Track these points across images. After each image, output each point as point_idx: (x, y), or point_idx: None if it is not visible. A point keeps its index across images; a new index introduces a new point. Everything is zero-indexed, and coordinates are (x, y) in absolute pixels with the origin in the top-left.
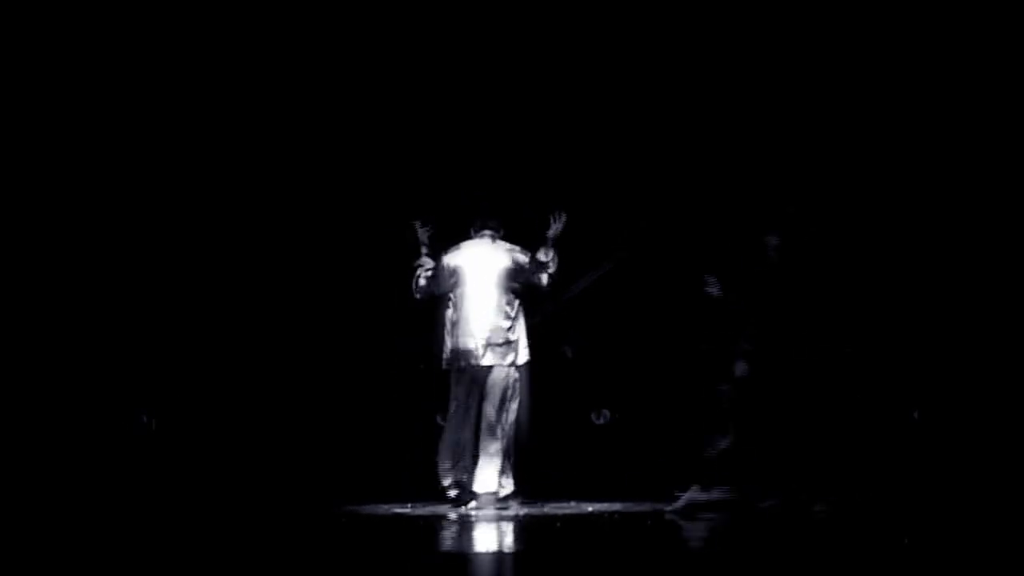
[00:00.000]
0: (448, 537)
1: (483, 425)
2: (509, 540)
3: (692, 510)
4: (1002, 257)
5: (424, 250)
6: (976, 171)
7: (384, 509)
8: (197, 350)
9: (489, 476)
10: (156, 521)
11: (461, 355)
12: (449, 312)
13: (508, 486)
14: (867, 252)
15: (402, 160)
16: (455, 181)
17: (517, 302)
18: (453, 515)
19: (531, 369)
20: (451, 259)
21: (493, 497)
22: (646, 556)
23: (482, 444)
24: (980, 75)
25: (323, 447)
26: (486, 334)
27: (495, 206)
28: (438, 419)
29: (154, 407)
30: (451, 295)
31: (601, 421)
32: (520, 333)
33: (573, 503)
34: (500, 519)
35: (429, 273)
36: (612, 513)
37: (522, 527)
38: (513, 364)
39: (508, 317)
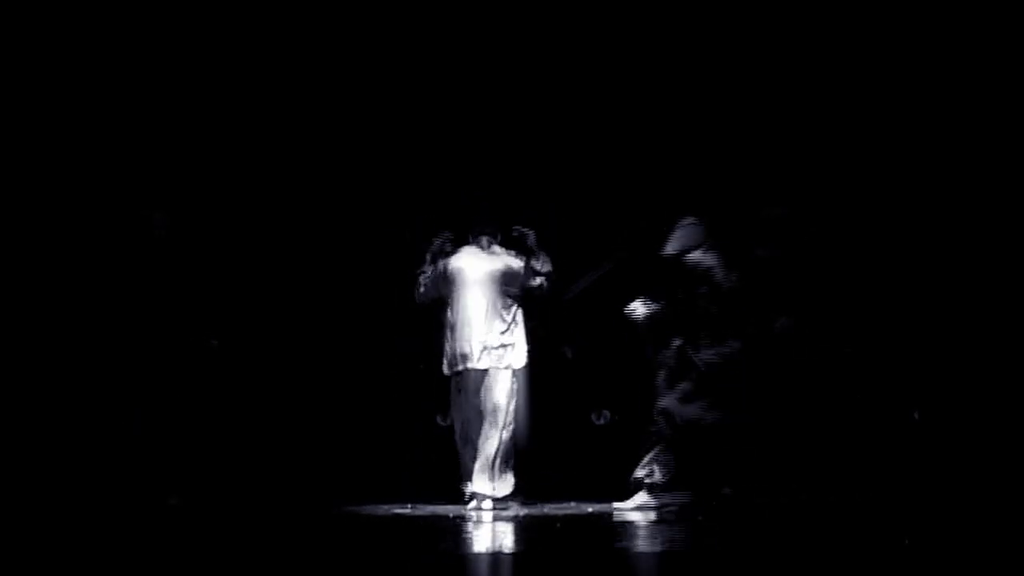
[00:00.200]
0: (448, 537)
1: (482, 427)
2: (509, 540)
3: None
4: (1002, 257)
5: (429, 258)
6: (975, 171)
7: (384, 509)
8: (197, 350)
9: (486, 478)
10: (156, 521)
11: (459, 359)
12: (447, 316)
13: (508, 487)
14: (867, 252)
15: (402, 160)
16: (455, 181)
17: (514, 306)
18: (452, 515)
19: (530, 370)
20: (448, 264)
21: (489, 499)
22: (646, 556)
23: (480, 445)
24: (978, 73)
25: (323, 447)
26: (483, 338)
27: (495, 207)
28: (438, 420)
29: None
30: (449, 300)
31: (601, 421)
32: (518, 337)
33: (573, 503)
34: (500, 519)
35: (430, 280)
36: (612, 513)
37: (522, 527)
38: (510, 367)
39: (504, 320)
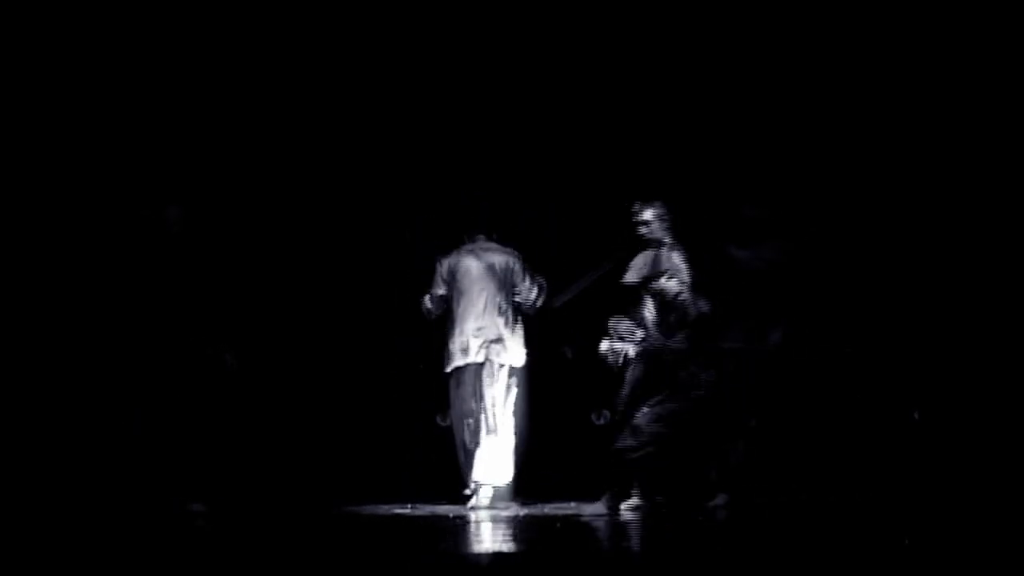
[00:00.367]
0: (448, 537)
1: (485, 421)
2: (509, 540)
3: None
4: (1002, 257)
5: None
6: (975, 171)
7: (384, 509)
8: (197, 350)
9: (490, 467)
10: (157, 521)
11: (459, 355)
12: (448, 314)
13: (507, 476)
14: (867, 252)
15: (402, 160)
16: (455, 181)
17: (513, 304)
18: (452, 515)
19: (530, 370)
20: (447, 263)
21: (490, 487)
22: (646, 556)
23: (483, 438)
24: (977, 73)
25: (323, 447)
26: (482, 333)
27: (494, 207)
28: (438, 419)
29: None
30: (450, 298)
31: (601, 422)
32: (517, 335)
33: (573, 504)
34: (500, 519)
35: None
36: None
37: (522, 527)
38: (508, 365)
39: (504, 317)
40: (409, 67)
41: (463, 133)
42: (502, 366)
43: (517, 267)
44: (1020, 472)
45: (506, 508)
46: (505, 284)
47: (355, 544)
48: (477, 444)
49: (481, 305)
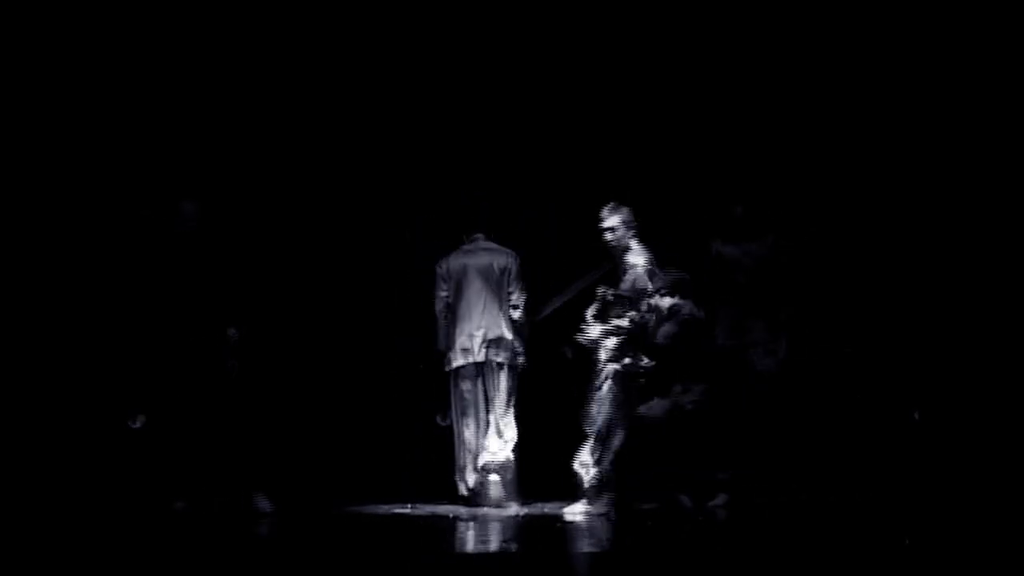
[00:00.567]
0: (448, 537)
1: (491, 419)
2: (509, 540)
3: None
4: (1002, 257)
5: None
6: (975, 171)
7: (384, 509)
8: (198, 349)
9: (494, 465)
10: (156, 521)
11: (460, 354)
12: (449, 314)
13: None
14: (866, 252)
15: (402, 160)
16: (455, 181)
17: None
18: (452, 515)
19: (530, 371)
20: (447, 264)
21: (500, 488)
22: (645, 556)
23: (488, 438)
24: (977, 73)
25: (324, 447)
26: (482, 332)
27: (494, 207)
28: (438, 419)
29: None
30: (450, 298)
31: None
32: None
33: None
34: (500, 519)
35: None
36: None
37: (522, 527)
38: (509, 364)
39: (503, 314)
40: (409, 67)
41: (463, 133)
42: (502, 365)
43: (514, 269)
44: (1020, 472)
45: (506, 508)
46: (504, 284)
47: (355, 544)
48: (477, 444)
49: (481, 305)
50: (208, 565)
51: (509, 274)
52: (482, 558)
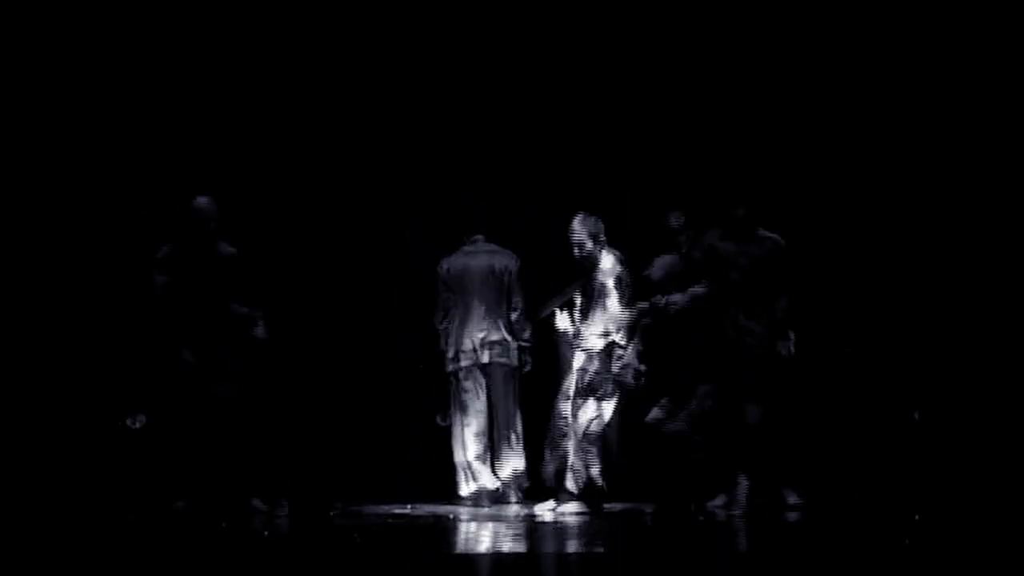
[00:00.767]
0: (448, 537)
1: (499, 421)
2: (510, 540)
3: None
4: (1002, 257)
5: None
6: (975, 171)
7: (384, 509)
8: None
9: (512, 465)
10: (156, 521)
11: (462, 355)
12: (450, 315)
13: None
14: (866, 252)
15: (402, 161)
16: (455, 181)
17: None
18: (452, 515)
19: (532, 371)
20: (448, 265)
21: (515, 482)
22: (645, 556)
23: (499, 438)
24: (977, 72)
25: (324, 447)
26: (484, 333)
27: (494, 207)
28: (438, 419)
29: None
30: (452, 299)
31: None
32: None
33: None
34: (502, 519)
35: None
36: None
37: (522, 527)
38: (511, 365)
39: (504, 316)
40: (410, 67)
41: (463, 133)
42: (504, 367)
43: (515, 272)
44: (1020, 472)
45: (511, 508)
46: (504, 286)
47: (355, 544)
48: (478, 446)
49: (482, 307)
50: (208, 565)
51: (510, 275)
52: (482, 558)
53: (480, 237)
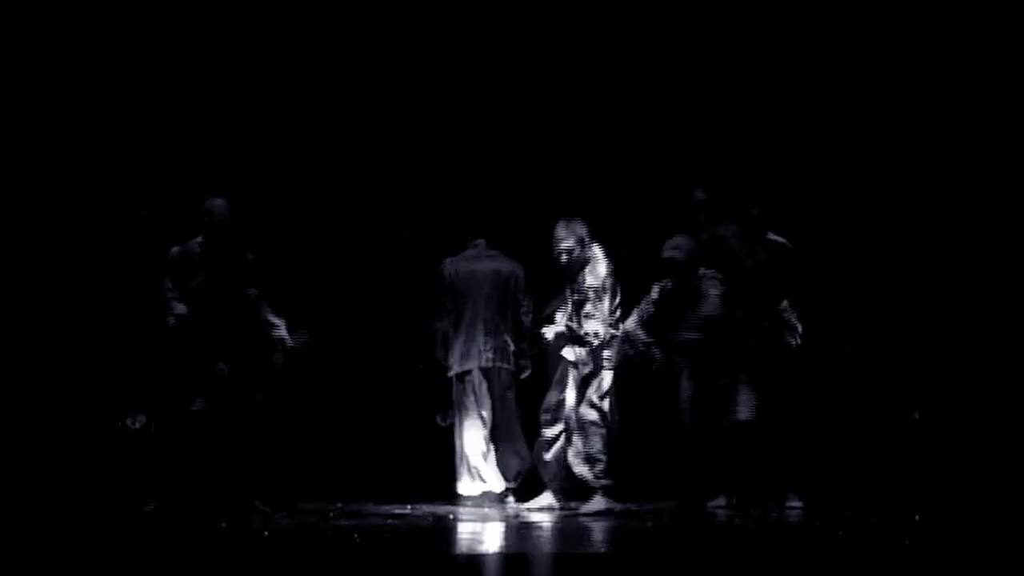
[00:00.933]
0: (448, 537)
1: (500, 424)
2: (509, 540)
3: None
4: (1002, 257)
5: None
6: (975, 171)
7: (384, 509)
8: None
9: (514, 467)
10: (155, 521)
11: (464, 359)
12: (453, 319)
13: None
14: (866, 252)
15: (402, 161)
16: (455, 181)
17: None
18: (452, 515)
19: (534, 372)
20: (453, 269)
21: (516, 483)
22: (645, 557)
23: (501, 442)
24: (977, 73)
25: (323, 447)
26: (487, 338)
27: (494, 207)
28: (438, 419)
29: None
30: (456, 302)
31: None
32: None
33: (575, 504)
34: (499, 519)
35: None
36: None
37: (522, 527)
38: (514, 370)
39: (508, 320)
40: (410, 67)
41: (463, 133)
42: (505, 371)
43: (521, 278)
44: (1020, 472)
45: (511, 508)
46: (509, 291)
47: (355, 544)
48: (482, 449)
49: (487, 312)
50: (208, 565)
51: (517, 283)
52: (482, 558)
53: (482, 241)
